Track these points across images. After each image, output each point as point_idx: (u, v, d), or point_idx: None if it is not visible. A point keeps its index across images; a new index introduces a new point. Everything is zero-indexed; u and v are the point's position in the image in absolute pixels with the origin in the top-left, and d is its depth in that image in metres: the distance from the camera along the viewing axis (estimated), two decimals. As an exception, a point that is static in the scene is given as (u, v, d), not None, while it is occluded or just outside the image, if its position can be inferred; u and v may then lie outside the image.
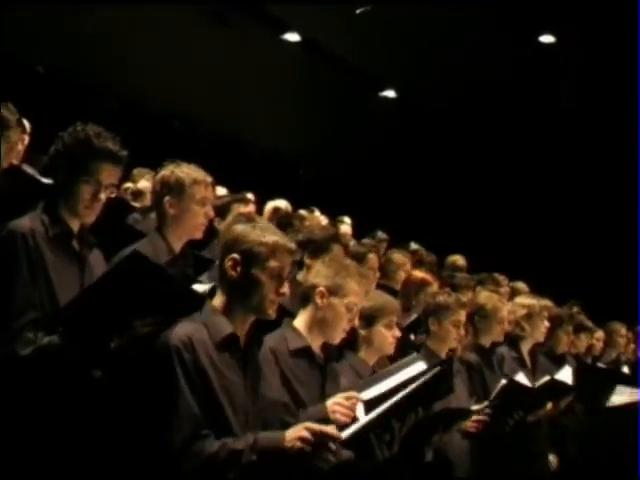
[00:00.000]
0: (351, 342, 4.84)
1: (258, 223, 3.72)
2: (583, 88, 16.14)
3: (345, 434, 3.42)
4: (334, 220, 9.41)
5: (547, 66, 15.77)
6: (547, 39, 15.42)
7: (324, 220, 8.90)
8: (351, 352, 4.87)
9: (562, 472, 7.17)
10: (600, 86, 15.77)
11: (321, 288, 4.20)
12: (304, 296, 4.28)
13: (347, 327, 4.30)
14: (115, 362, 3.52)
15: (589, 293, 11.39)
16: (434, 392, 4.43)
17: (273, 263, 3.55)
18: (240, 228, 3.63)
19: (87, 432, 3.54)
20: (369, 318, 4.82)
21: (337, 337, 4.28)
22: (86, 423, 3.54)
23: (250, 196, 8.41)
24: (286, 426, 3.55)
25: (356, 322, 4.54)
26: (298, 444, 3.32)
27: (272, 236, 3.60)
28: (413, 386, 3.98)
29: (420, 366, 4.39)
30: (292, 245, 3.70)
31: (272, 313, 3.61)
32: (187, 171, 4.58)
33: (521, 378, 5.87)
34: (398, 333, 4.93)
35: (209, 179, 4.67)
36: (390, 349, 4.89)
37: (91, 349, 3.44)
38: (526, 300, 7.09)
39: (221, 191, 8.09)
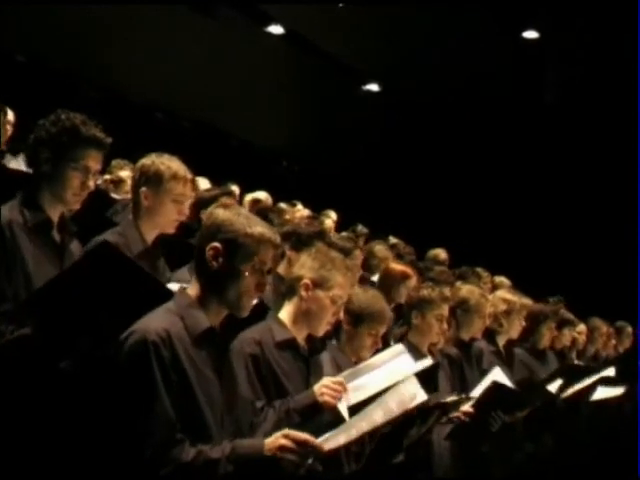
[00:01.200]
0: (338, 332, 4.83)
1: (241, 211, 3.49)
2: (566, 84, 16.18)
3: (327, 446, 3.17)
4: (317, 213, 9.38)
5: (530, 61, 15.82)
6: (531, 35, 15.43)
7: (306, 213, 8.88)
8: (334, 344, 4.85)
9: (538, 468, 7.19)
10: (583, 82, 15.82)
11: (306, 280, 4.15)
12: (289, 288, 4.23)
13: (332, 320, 4.26)
14: (84, 360, 3.44)
15: (571, 288, 11.43)
16: None
17: (257, 256, 3.30)
18: (224, 214, 3.35)
19: (56, 427, 3.46)
20: (357, 318, 4.76)
21: (321, 330, 4.24)
22: (54, 418, 3.47)
23: (235, 189, 8.40)
24: (254, 428, 3.52)
25: (341, 315, 4.49)
26: (278, 453, 3.13)
27: (258, 227, 3.34)
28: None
29: (405, 359, 4.35)
30: (277, 238, 3.45)
31: (247, 311, 3.37)
32: (168, 164, 4.47)
33: (499, 373, 5.86)
34: (379, 344, 4.82)
35: (189, 175, 4.57)
36: (366, 355, 4.74)
37: (59, 342, 3.35)
38: (507, 295, 7.10)
39: (203, 183, 8.06)
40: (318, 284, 4.16)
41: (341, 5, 13.78)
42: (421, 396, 3.63)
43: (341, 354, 4.74)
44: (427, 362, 5.03)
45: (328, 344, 4.82)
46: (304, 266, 4.22)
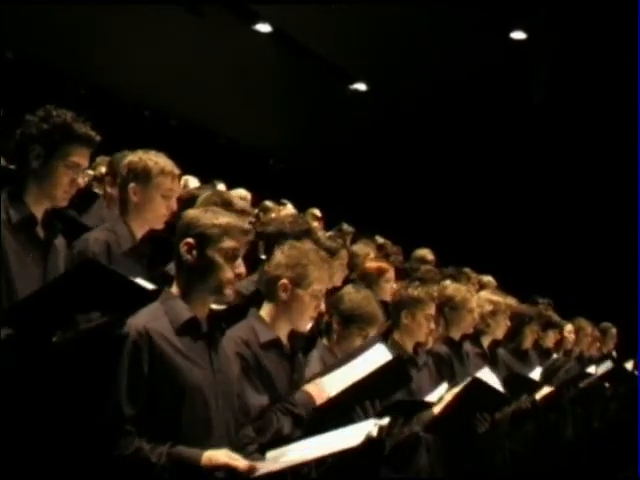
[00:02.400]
0: (329, 330, 4.83)
1: (210, 207, 3.78)
2: (553, 84, 16.22)
3: (259, 472, 3.27)
4: (303, 212, 9.38)
5: (518, 62, 15.85)
6: (518, 35, 15.45)
7: (292, 212, 8.86)
8: (324, 343, 4.84)
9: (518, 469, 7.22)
10: (571, 82, 15.86)
11: (284, 281, 4.14)
12: (267, 289, 4.23)
13: (315, 314, 4.27)
14: (58, 356, 3.43)
15: (557, 288, 11.47)
16: (386, 385, 4.35)
17: (227, 243, 3.55)
18: (192, 213, 3.66)
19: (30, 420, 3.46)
20: (348, 318, 4.77)
21: (305, 325, 4.27)
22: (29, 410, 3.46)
23: (222, 187, 8.39)
24: (240, 427, 3.64)
25: (322, 306, 4.47)
26: (213, 468, 3.30)
27: (224, 218, 3.61)
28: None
29: (379, 348, 4.35)
30: (245, 225, 3.72)
31: (230, 294, 3.60)
32: (156, 160, 4.52)
33: (487, 373, 5.87)
34: None
35: (177, 171, 4.61)
36: None
37: (34, 342, 3.35)
38: (493, 296, 7.12)
39: (193, 182, 8.05)
40: (296, 283, 4.15)
41: (333, 6, 13.73)
42: (357, 439, 3.48)
43: (329, 353, 4.74)
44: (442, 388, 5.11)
45: (318, 343, 4.83)
46: (279, 265, 4.20)
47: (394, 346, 5.57)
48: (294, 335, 4.24)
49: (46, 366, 3.42)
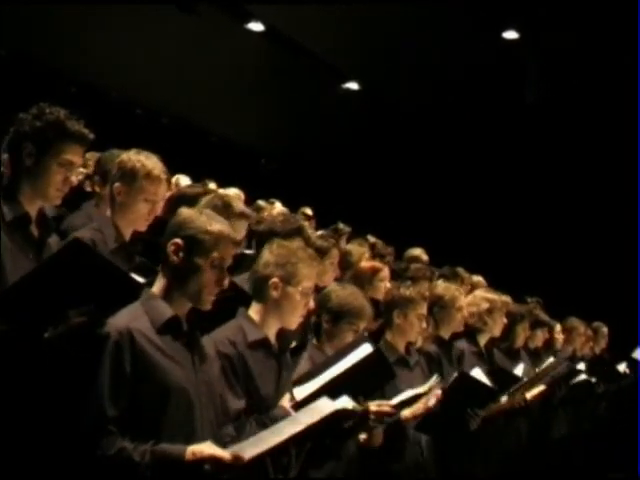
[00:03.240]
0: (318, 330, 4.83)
1: (205, 210, 3.73)
2: (546, 84, 16.23)
3: (248, 455, 3.25)
4: (294, 212, 9.37)
5: (511, 61, 15.86)
6: (511, 35, 15.45)
7: (283, 211, 8.86)
8: (313, 343, 4.84)
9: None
10: (564, 82, 15.87)
11: (274, 279, 4.13)
12: (257, 289, 4.21)
13: (304, 312, 4.27)
14: (49, 351, 3.42)
15: (548, 288, 11.48)
16: (369, 380, 4.30)
17: (216, 253, 3.51)
18: (187, 213, 3.60)
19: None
20: (337, 315, 4.76)
21: (294, 323, 4.25)
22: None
23: (213, 186, 8.38)
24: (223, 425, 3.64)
25: (311, 304, 4.46)
26: (198, 462, 3.27)
27: (217, 225, 3.56)
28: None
29: (366, 348, 4.34)
30: (237, 236, 3.72)
31: (208, 304, 3.56)
32: (144, 162, 4.50)
33: (477, 373, 5.88)
34: None
35: (164, 175, 4.58)
36: None
37: (25, 336, 3.34)
38: (488, 294, 7.15)
39: (184, 180, 8.04)
40: (287, 281, 4.14)
41: (326, 5, 13.71)
42: (331, 406, 3.52)
43: (319, 352, 4.73)
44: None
45: (308, 342, 4.83)
46: (268, 264, 4.19)
47: (386, 346, 5.60)
48: (283, 334, 4.24)
49: (38, 362, 3.41)
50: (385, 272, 6.64)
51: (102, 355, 3.32)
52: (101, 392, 3.28)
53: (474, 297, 7.05)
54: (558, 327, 9.40)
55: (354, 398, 3.95)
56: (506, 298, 7.33)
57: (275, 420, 3.69)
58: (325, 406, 3.50)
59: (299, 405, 3.83)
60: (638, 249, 13.11)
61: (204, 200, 5.11)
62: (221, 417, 3.72)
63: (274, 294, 4.14)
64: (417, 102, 16.56)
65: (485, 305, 6.97)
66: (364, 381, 4.19)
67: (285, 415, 3.78)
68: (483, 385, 5.76)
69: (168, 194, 5.97)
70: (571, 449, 8.76)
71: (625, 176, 14.98)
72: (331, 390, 3.82)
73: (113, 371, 3.30)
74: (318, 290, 4.85)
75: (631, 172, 14.26)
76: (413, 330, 5.72)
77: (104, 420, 3.26)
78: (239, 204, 5.37)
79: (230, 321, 4.11)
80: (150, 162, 4.52)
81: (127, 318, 3.41)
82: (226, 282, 3.59)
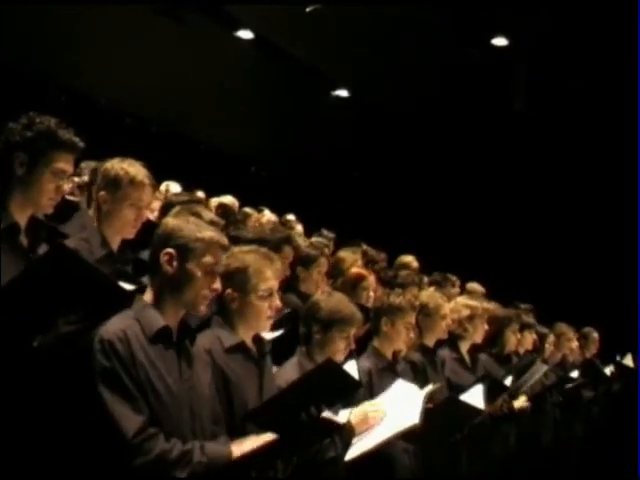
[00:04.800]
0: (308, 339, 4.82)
1: (190, 219, 3.77)
2: (535, 91, 16.26)
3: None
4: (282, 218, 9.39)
5: (500, 68, 15.88)
6: (500, 42, 15.47)
7: (273, 218, 8.87)
8: (302, 350, 4.83)
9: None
10: (553, 89, 15.90)
11: (228, 291, 4.11)
12: (218, 302, 4.17)
13: (272, 313, 4.20)
14: (38, 360, 3.44)
15: (538, 294, 11.51)
16: (330, 390, 4.09)
17: (208, 259, 3.57)
18: (174, 222, 3.66)
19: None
20: (327, 324, 4.75)
21: (265, 327, 4.23)
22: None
23: (200, 195, 8.39)
24: (214, 436, 3.64)
25: (278, 302, 4.41)
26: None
27: (207, 231, 3.63)
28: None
29: (350, 364, 4.33)
30: (226, 241, 3.74)
31: (203, 309, 3.64)
32: (127, 169, 4.49)
33: (471, 395, 5.88)
34: (352, 345, 4.85)
35: (148, 181, 4.57)
36: (340, 358, 4.77)
37: (14, 343, 3.34)
38: (469, 301, 7.18)
39: (174, 187, 8.04)
40: (240, 290, 4.12)
41: (308, 9, 13.73)
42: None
43: (307, 360, 4.72)
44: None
45: (298, 350, 4.83)
46: (221, 278, 4.03)
47: (374, 352, 5.62)
48: (259, 339, 4.23)
49: (27, 370, 3.42)
50: (370, 280, 6.66)
51: (97, 357, 3.35)
52: (130, 393, 3.34)
53: (455, 304, 7.08)
54: (551, 337, 9.40)
55: (316, 408, 3.92)
56: (487, 305, 7.36)
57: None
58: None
59: (247, 417, 3.79)
60: (634, 254, 13.13)
61: (174, 211, 5.11)
62: (210, 427, 3.71)
63: (233, 306, 4.11)
64: (406, 110, 16.58)
65: (466, 312, 7.00)
66: (323, 393, 3.96)
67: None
68: (471, 407, 5.77)
69: (155, 201, 5.97)
70: (562, 454, 8.78)
71: (616, 184, 15.05)
72: (286, 405, 3.76)
73: (125, 369, 3.36)
74: (305, 298, 4.84)
75: (623, 180, 14.33)
76: (400, 338, 5.73)
77: (143, 420, 3.33)
78: (208, 213, 5.37)
79: (205, 330, 4.09)
80: (133, 168, 4.52)
81: (122, 324, 3.44)
82: (218, 287, 3.66)
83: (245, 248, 4.35)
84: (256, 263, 4.17)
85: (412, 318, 5.77)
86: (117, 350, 3.36)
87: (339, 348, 4.75)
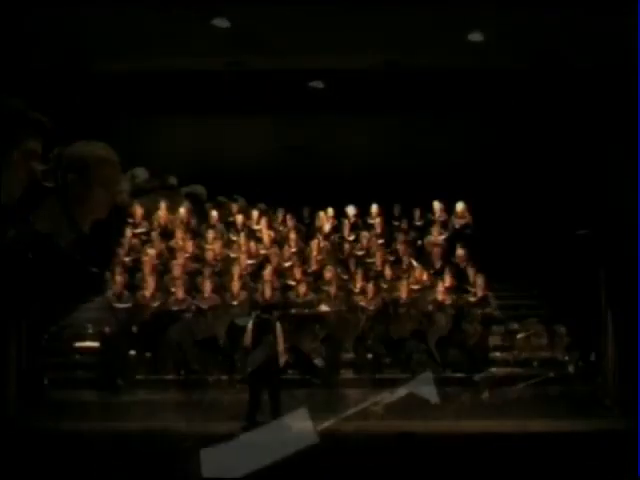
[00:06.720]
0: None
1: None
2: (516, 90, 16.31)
3: None
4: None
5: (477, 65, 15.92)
6: (475, 37, 15.48)
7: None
8: None
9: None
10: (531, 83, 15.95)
11: None
12: None
13: None
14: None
15: (510, 290, 11.53)
16: None
17: None
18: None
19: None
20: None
21: None
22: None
23: (173, 180, 8.40)
24: None
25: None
26: None
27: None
28: None
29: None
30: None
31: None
32: (92, 149, 4.49)
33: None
34: None
35: (115, 158, 4.58)
36: None
37: None
38: (438, 295, 7.21)
39: (142, 172, 8.04)
40: None
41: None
42: None
43: None
44: None
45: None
46: None
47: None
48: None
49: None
50: None
51: None
52: None
53: (422, 297, 7.14)
54: (521, 334, 9.46)
55: None
56: (455, 298, 7.41)
57: None
58: None
59: None
60: (623, 255, 13.16)
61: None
62: None
63: None
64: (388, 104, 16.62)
65: (432, 305, 7.05)
66: None
67: None
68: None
69: (124, 179, 5.96)
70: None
71: (602, 184, 15.08)
72: None
73: None
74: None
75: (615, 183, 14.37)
76: None
77: None
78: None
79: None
80: (98, 148, 4.52)
81: None
82: None
83: None
84: None
85: None
86: None
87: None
